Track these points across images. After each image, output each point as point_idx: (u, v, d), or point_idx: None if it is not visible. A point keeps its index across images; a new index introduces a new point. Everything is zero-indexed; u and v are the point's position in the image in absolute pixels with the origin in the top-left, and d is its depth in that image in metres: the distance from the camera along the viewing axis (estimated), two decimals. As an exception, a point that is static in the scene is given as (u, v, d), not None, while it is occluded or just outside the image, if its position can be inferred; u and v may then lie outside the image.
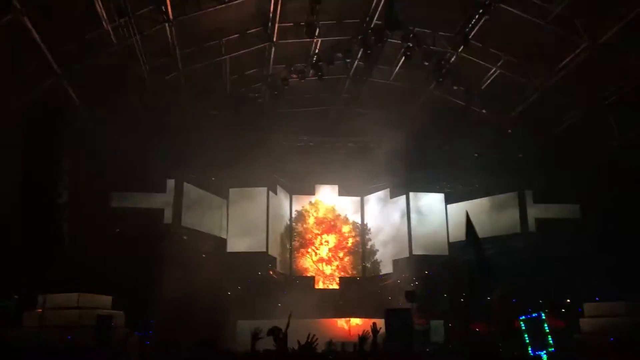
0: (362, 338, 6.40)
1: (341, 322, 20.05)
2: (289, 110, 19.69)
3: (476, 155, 20.10)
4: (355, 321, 19.25)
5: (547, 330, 11.51)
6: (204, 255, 18.66)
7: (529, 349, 11.37)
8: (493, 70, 16.97)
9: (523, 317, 12.14)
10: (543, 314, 11.93)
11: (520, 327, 13.94)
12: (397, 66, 17.67)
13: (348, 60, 16.75)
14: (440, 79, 16.71)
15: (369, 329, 6.86)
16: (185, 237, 18.63)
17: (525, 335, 11.65)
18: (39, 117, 8.77)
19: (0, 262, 12.01)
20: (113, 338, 11.50)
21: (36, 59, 13.21)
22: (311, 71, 16.47)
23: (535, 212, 20.05)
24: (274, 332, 6.47)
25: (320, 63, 16.15)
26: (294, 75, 16.69)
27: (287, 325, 6.85)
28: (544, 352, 10.96)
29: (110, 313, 12.83)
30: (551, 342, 11.29)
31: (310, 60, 16.42)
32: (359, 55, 16.63)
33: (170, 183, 18.73)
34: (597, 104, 16.62)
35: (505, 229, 20.10)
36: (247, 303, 18.09)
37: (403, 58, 16.44)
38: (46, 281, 12.42)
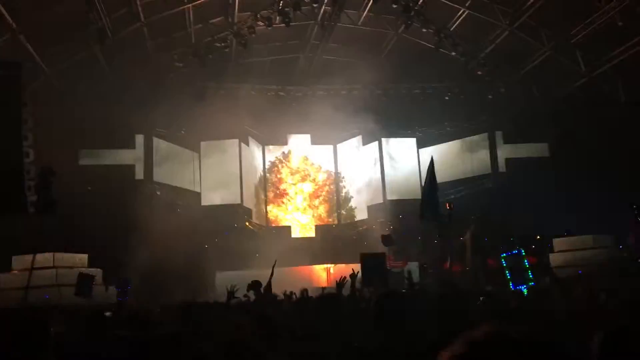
0: (340, 284, 6.48)
1: (320, 269, 20.39)
2: (257, 59, 19.31)
3: (447, 98, 20.15)
4: (334, 267, 19.58)
5: (527, 266, 11.88)
6: (178, 210, 18.59)
7: (510, 284, 11.74)
8: (462, 10, 16.81)
9: (504, 255, 12.49)
10: (523, 251, 12.29)
11: (495, 264, 14.39)
12: (365, 10, 17.36)
13: (315, 5, 16.39)
14: (409, 22, 16.51)
15: (347, 275, 6.97)
16: (158, 192, 18.49)
17: (507, 272, 12.00)
18: (-4, 75, 8.43)
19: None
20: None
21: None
22: (278, 18, 16.08)
23: (505, 152, 20.41)
24: (255, 286, 6.54)
25: (287, 9, 15.76)
26: (261, 23, 16.28)
27: (272, 274, 6.93)
28: (525, 286, 11.33)
29: (88, 271, 12.84)
30: (531, 276, 11.68)
31: (277, 6, 16.00)
32: (326, 0, 16.26)
33: (139, 138, 18.42)
34: (564, 42, 16.70)
35: (476, 170, 20.47)
36: (224, 255, 18.19)
37: (371, 1, 16.13)
38: (19, 242, 12.27)
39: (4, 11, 12.58)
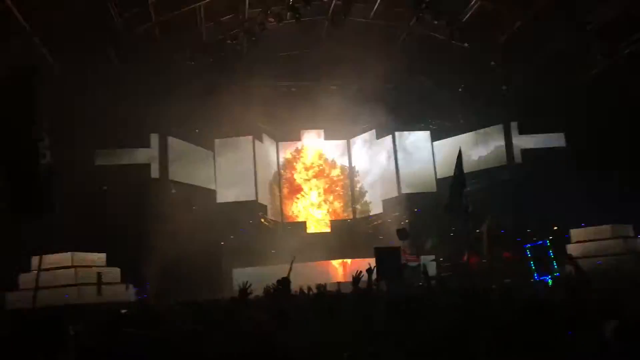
0: (356, 278, 6.48)
1: (336, 264, 20.37)
2: (268, 55, 19.31)
3: (460, 90, 20.00)
4: (351, 262, 19.57)
5: (552, 257, 11.75)
6: (194, 207, 18.69)
7: (535, 274, 11.64)
8: (474, 1, 16.64)
9: (528, 245, 12.37)
10: (547, 242, 12.16)
11: (511, 257, 14.29)
12: (376, 3, 17.26)
13: (325, 0, 16.34)
14: (421, 14, 16.39)
15: (363, 269, 6.96)
16: (173, 191, 18.59)
17: (531, 262, 11.89)
18: (11, 78, 8.49)
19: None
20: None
21: (3, 18, 12.75)
22: (288, 14, 16.06)
23: (520, 143, 20.19)
24: (283, 283, 6.55)
25: (297, 4, 15.73)
26: (271, 19, 16.27)
27: (290, 270, 6.98)
28: (549, 277, 11.24)
29: (106, 270, 12.99)
30: (556, 267, 11.57)
31: (287, 2, 15.98)
32: (337, -6, 16.23)
33: (154, 137, 18.53)
34: (580, 30, 16.46)
35: (491, 162, 20.30)
36: (241, 251, 18.28)
37: (382, -6, 16.02)
38: (38, 243, 12.41)
39: (17, 13, 12.71)
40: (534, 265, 11.96)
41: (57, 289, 11.92)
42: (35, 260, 12.62)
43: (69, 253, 12.91)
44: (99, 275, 12.44)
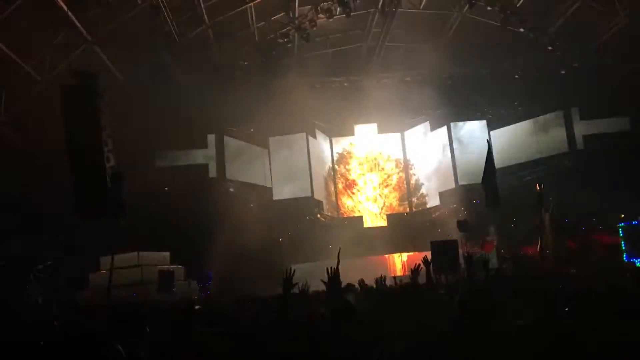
0: (415, 271, 6.44)
1: (394, 258, 20.25)
2: (319, 52, 19.37)
3: (516, 77, 19.43)
4: (409, 256, 19.43)
5: None
6: (251, 205, 18.99)
7: (624, 255, 11.18)
8: (527, -16, 16.15)
9: (622, 224, 11.90)
10: None
11: (574, 247, 13.81)
12: (426, -8, 17.01)
13: (375, -8, 16.24)
14: (473, 1, 16.01)
15: (421, 262, 6.91)
16: (231, 189, 18.95)
17: (622, 242, 11.43)
18: (75, 85, 8.87)
19: (62, 228, 12.53)
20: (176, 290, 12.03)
21: (65, 28, 13.33)
22: (338, 9, 16.05)
23: (582, 128, 19.46)
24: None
25: (347, -1, 15.71)
26: (321, 15, 16.31)
27: (338, 263, 6.94)
28: (639, 260, 10.77)
29: (170, 268, 13.38)
30: None
31: (337, -3, 15.97)
32: (386, -14, 16.07)
33: (211, 138, 18.94)
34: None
35: (552, 149, 19.65)
36: (298, 248, 18.43)
37: (432, -17, 15.77)
38: (105, 243, 12.90)
39: (78, 24, 13.26)
40: (624, 246, 11.43)
41: (125, 287, 12.36)
42: (104, 260, 13.17)
43: (135, 253, 13.37)
44: (162, 273, 12.78)
